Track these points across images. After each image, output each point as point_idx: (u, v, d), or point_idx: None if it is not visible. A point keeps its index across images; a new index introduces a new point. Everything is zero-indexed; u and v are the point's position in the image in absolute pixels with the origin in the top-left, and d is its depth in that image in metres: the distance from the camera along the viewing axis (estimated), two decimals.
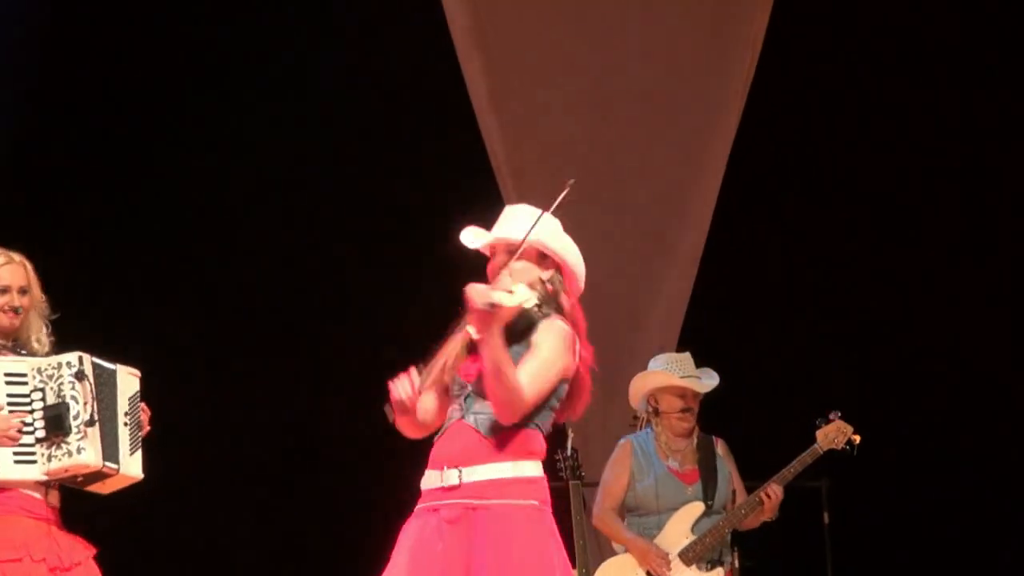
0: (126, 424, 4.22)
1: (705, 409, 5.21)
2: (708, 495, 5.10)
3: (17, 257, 4.19)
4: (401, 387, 3.75)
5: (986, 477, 6.96)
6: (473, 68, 7.14)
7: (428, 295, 6.52)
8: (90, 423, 4.09)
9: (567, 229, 7.20)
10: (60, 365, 4.07)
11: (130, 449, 4.20)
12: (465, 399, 3.88)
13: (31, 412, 4.08)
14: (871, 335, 7.16)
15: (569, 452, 5.61)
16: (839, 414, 5.09)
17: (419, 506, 3.92)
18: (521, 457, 3.79)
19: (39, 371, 4.07)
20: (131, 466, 4.21)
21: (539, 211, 4.01)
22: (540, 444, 3.85)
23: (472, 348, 3.88)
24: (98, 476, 4.14)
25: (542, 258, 3.88)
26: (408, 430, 3.99)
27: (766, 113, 7.34)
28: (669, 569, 5.03)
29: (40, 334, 4.27)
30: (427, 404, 3.93)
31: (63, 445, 4.08)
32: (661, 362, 5.16)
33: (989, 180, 7.30)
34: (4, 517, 4.05)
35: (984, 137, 7.20)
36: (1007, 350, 7.11)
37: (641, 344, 6.72)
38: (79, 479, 4.15)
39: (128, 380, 4.08)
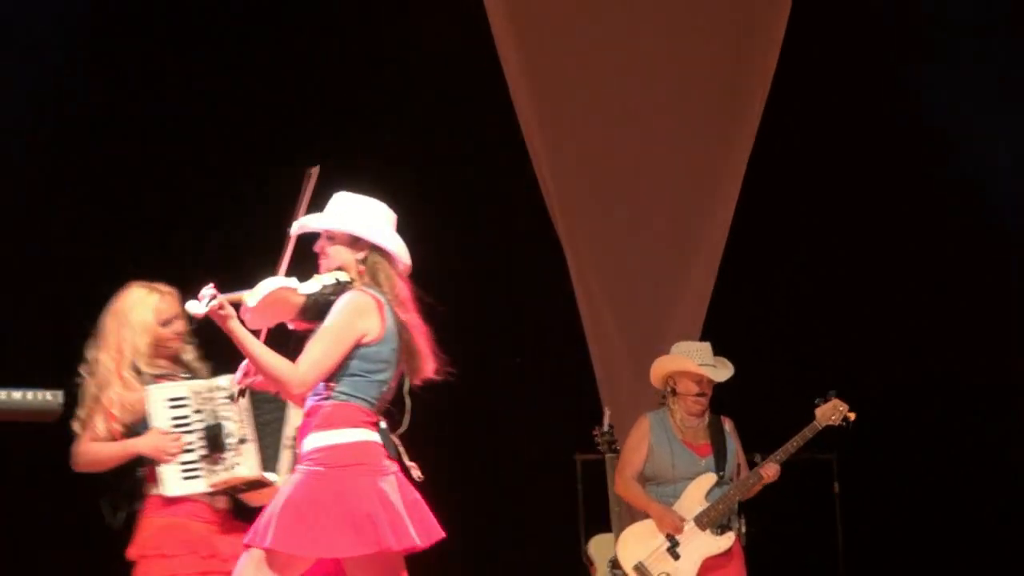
0: (290, 446, 4.35)
1: (722, 391, 5.56)
2: (719, 467, 5.41)
3: (166, 289, 4.41)
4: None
5: (993, 449, 7.04)
6: (515, 70, 7.27)
7: None
8: (242, 441, 4.32)
9: (609, 227, 7.55)
10: (213, 388, 4.29)
11: (291, 467, 4.28)
12: None
13: (191, 432, 4.28)
14: (879, 316, 7.25)
15: (605, 428, 5.97)
16: (835, 393, 5.42)
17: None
18: (323, 428, 3.91)
19: (196, 393, 4.27)
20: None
21: (367, 199, 4.19)
22: (351, 414, 3.93)
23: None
24: (257, 485, 4.33)
25: (354, 241, 4.03)
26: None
27: (786, 114, 7.36)
28: (682, 531, 5.39)
29: (192, 356, 4.51)
30: None
31: (221, 461, 4.30)
32: (683, 348, 5.49)
33: (1002, 173, 7.33)
34: (173, 520, 4.28)
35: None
36: (1014, 329, 7.21)
37: (669, 331, 6.89)
38: (241, 488, 4.36)
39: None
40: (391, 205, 4.20)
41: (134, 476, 4.40)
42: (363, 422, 3.95)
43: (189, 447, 4.24)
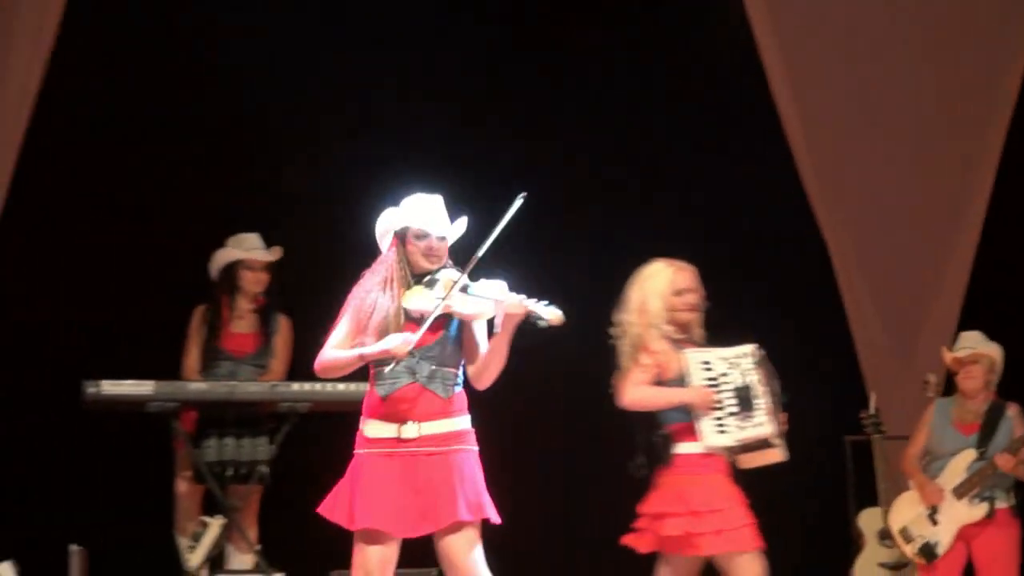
0: (776, 413, 4.84)
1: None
2: (982, 444, 5.91)
3: (683, 265, 4.93)
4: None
5: None
6: (777, 72, 7.58)
7: None
8: (766, 403, 4.80)
9: (867, 219, 7.93)
10: (742, 355, 4.81)
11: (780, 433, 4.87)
12: (415, 363, 4.41)
13: (722, 392, 4.79)
14: None
15: (872, 411, 6.65)
16: None
17: (367, 451, 4.52)
18: (465, 413, 4.43)
19: (723, 359, 4.80)
20: (782, 448, 4.90)
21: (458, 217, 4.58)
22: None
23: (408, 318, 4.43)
24: (764, 445, 4.83)
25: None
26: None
27: None
28: (942, 500, 5.94)
29: (699, 329, 5.00)
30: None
31: (749, 419, 4.79)
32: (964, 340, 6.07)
33: None
34: (712, 476, 4.77)
35: None
36: None
37: (927, 321, 7.47)
38: (755, 446, 4.85)
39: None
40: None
41: (659, 434, 4.91)
42: None
43: (721, 405, 4.78)
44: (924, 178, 7.92)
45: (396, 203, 4.60)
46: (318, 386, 5.85)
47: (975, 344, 6.06)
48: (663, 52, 7.69)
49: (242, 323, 6.44)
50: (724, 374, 4.86)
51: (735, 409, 4.83)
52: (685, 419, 4.86)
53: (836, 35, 7.94)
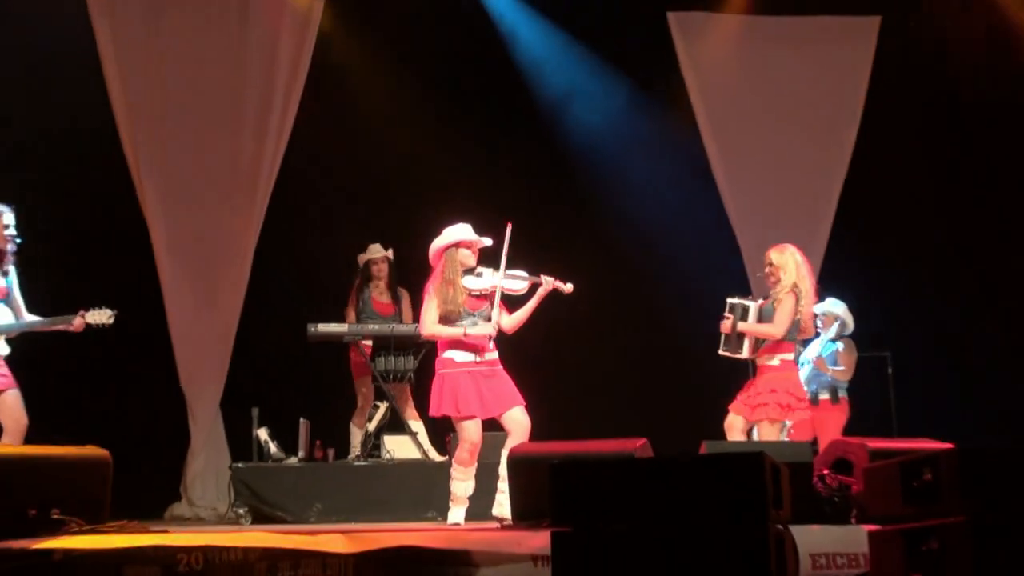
0: None
1: None
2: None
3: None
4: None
5: None
6: (708, 140, 9.72)
7: None
8: None
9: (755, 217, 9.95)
10: None
11: None
12: (479, 319, 6.37)
13: None
14: None
15: None
16: None
17: (455, 370, 6.46)
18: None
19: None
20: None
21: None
22: None
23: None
24: None
25: None
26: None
27: None
28: None
29: None
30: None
31: None
32: None
33: None
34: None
35: None
36: None
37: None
38: None
39: None
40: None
41: None
42: None
43: None
44: (797, 180, 9.99)
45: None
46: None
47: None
48: None
49: (384, 295, 8.81)
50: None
51: None
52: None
53: (750, 107, 10.01)
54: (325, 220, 9.64)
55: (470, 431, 6.29)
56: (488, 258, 6.68)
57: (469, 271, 6.51)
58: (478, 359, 6.37)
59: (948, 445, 4.84)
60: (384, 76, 9.73)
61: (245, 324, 9.36)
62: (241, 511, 7.64)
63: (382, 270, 8.80)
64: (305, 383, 9.13)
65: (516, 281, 6.46)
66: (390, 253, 8.81)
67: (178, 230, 9.34)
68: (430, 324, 6.41)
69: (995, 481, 3.67)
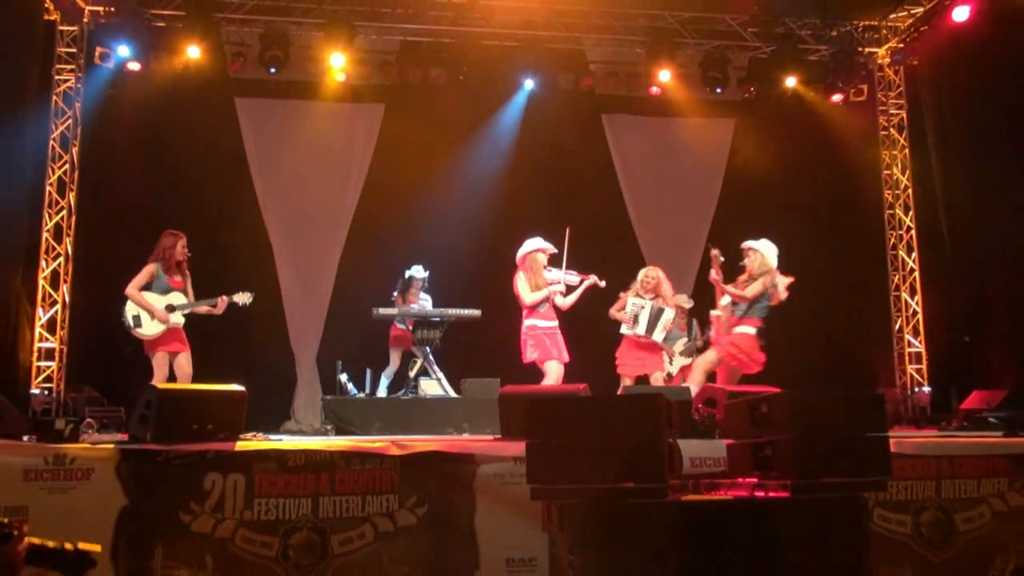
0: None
1: None
2: None
3: None
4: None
5: None
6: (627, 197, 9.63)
7: None
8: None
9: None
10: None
11: None
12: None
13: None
14: None
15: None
16: None
17: (543, 332, 6.36)
18: None
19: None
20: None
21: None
22: None
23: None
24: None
25: None
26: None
27: None
28: None
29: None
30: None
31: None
32: None
33: None
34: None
35: None
36: None
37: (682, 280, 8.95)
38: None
39: None
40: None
41: None
42: None
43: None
44: (680, 216, 10.03)
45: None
46: (453, 311, 8.01)
47: None
48: None
49: (416, 297, 8.51)
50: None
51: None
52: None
53: (654, 172, 10.09)
54: (384, 244, 9.62)
55: (559, 373, 6.31)
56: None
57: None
58: (552, 324, 6.41)
59: (777, 390, 4.88)
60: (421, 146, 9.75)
61: (333, 307, 9.56)
62: (328, 427, 7.61)
63: (418, 283, 8.73)
64: (369, 346, 8.86)
65: (572, 276, 6.54)
66: (427, 273, 8.65)
67: (291, 247, 9.59)
68: (529, 295, 6.40)
69: (805, 413, 3.72)
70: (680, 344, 8.04)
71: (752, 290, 6.49)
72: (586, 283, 6.52)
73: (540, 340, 6.40)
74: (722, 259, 6.57)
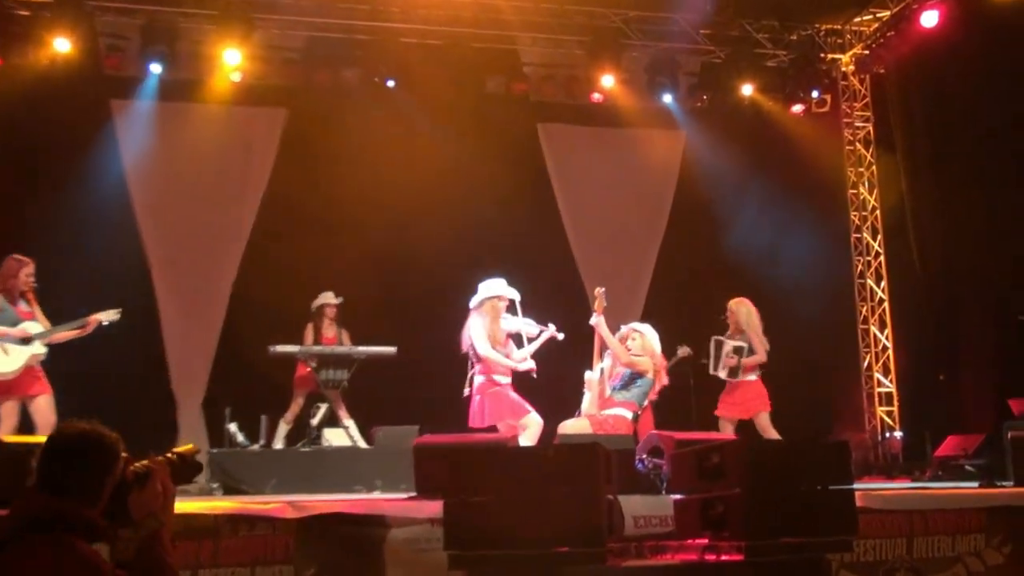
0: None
1: None
2: None
3: None
4: None
5: None
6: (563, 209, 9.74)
7: None
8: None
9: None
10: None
11: None
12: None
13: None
14: None
15: None
16: None
17: (499, 389, 6.30)
18: None
19: None
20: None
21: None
22: None
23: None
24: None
25: None
26: None
27: None
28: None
29: None
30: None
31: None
32: None
33: None
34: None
35: None
36: None
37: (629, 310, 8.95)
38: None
39: None
40: None
41: None
42: None
43: None
44: (625, 236, 10.04)
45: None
46: (363, 348, 7.99)
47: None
48: None
49: (330, 330, 8.55)
50: None
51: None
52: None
53: (593, 186, 10.20)
54: (287, 268, 9.46)
55: (532, 420, 6.27)
56: None
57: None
58: (506, 380, 6.40)
59: (731, 437, 4.92)
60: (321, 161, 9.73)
61: (222, 344, 9.37)
62: (214, 485, 7.44)
63: (331, 312, 8.66)
64: (264, 389, 8.78)
65: (531, 326, 6.48)
66: (339, 300, 8.67)
67: (175, 274, 9.42)
68: (487, 349, 6.34)
69: (761, 464, 3.76)
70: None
71: (634, 359, 6.49)
72: (545, 334, 6.47)
73: (498, 399, 6.34)
74: (606, 304, 6.56)
